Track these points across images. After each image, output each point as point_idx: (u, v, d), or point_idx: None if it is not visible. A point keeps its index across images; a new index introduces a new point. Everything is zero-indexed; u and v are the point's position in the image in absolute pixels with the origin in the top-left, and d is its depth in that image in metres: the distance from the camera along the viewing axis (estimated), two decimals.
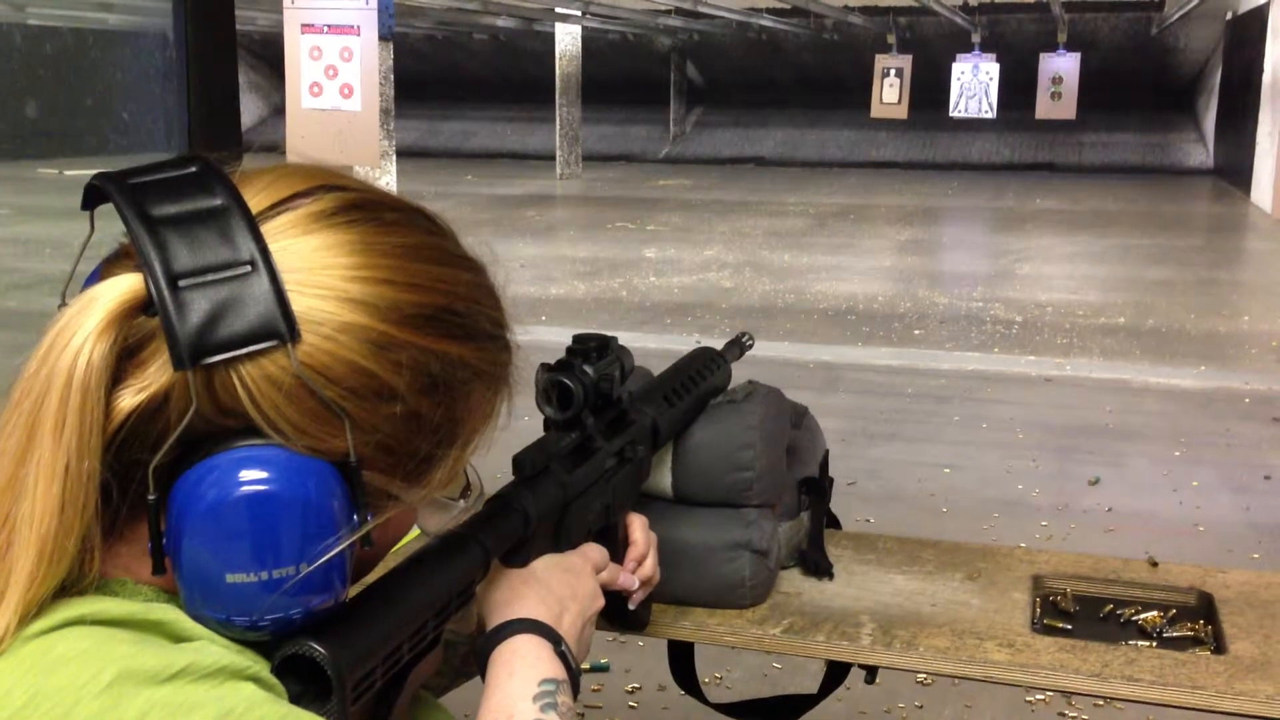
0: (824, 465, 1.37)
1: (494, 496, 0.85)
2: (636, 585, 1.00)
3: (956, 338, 7.08)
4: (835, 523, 1.41)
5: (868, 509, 4.27)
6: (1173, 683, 1.02)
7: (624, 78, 18.85)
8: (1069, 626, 1.18)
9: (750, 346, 1.34)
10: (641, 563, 1.01)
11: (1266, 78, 13.12)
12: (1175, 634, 1.16)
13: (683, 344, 6.99)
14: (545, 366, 0.93)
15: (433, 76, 19.04)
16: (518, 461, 0.87)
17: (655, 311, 7.76)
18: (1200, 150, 17.49)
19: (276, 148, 9.45)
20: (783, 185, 16.17)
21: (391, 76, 12.40)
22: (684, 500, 1.20)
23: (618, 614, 1.01)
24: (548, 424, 0.94)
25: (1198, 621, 1.18)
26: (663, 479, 1.20)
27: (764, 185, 16.19)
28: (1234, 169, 15.07)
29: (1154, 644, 1.14)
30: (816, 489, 1.31)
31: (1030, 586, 1.24)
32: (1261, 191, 13.12)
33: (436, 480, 0.71)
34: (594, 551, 0.92)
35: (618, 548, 1.00)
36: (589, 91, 17.31)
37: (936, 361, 6.49)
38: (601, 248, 10.64)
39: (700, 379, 1.19)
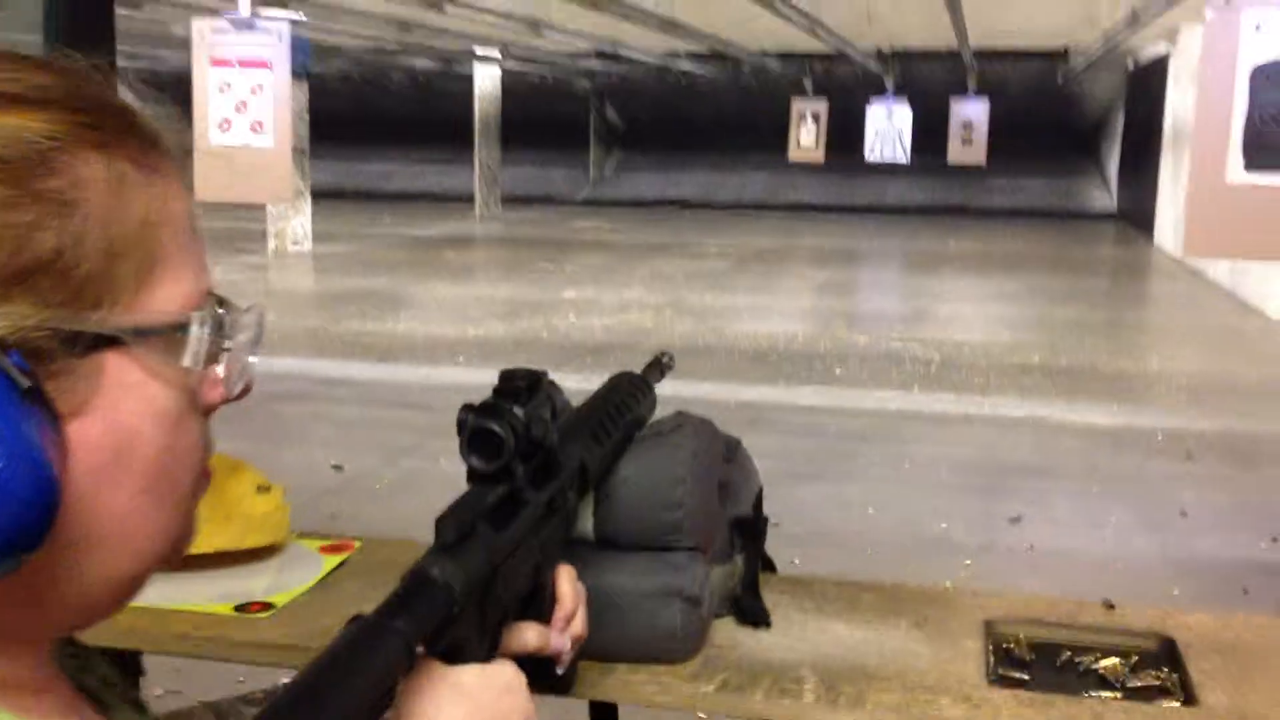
0: (758, 503, 1.27)
1: (412, 571, 0.71)
2: (567, 647, 0.88)
3: (877, 377, 7.08)
4: (770, 565, 1.31)
5: (793, 550, 4.18)
6: None
7: (543, 119, 18.82)
8: (1026, 677, 1.09)
9: (671, 367, 1.21)
10: (570, 620, 0.89)
11: (1167, 124, 13.51)
12: (1139, 683, 1.07)
13: (596, 385, 6.90)
14: (469, 409, 0.81)
15: (350, 117, 18.81)
16: (439, 527, 0.74)
17: (576, 351, 7.65)
18: (1104, 195, 17.96)
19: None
20: (703, 227, 16.22)
21: (306, 115, 12.22)
22: (606, 543, 1.09)
23: (543, 677, 0.89)
24: (472, 475, 0.82)
25: (1161, 669, 1.09)
26: (583, 520, 1.09)
27: (684, 227, 16.22)
28: (1137, 213, 15.48)
29: (1118, 695, 1.05)
30: (751, 529, 1.21)
31: (982, 633, 1.14)
32: (1164, 235, 13.47)
33: (140, 299, 0.53)
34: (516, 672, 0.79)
35: (544, 606, 0.88)
36: (508, 133, 17.24)
37: (858, 400, 6.47)
38: (521, 289, 10.53)
39: (625, 409, 1.07)
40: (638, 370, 1.17)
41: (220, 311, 0.58)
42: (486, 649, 0.76)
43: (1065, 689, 1.06)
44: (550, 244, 14.25)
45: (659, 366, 1.20)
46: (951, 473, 5.19)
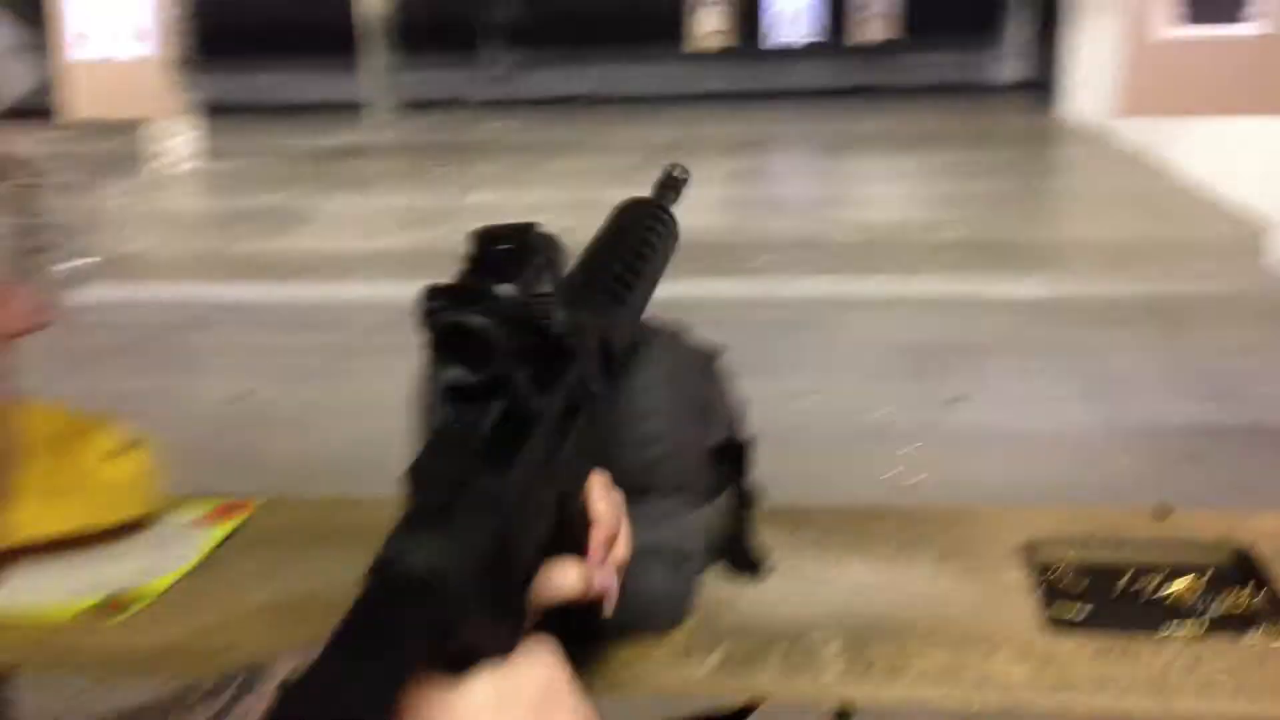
0: (743, 422, 1.05)
1: (379, 566, 0.47)
2: (614, 582, 0.64)
3: (800, 264, 6.90)
4: (760, 496, 1.10)
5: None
6: (1265, 692, 0.74)
7: (438, 20, 18.07)
8: (1083, 615, 0.89)
9: (686, 181, 0.91)
10: (613, 544, 0.64)
11: None
12: (1221, 609, 0.88)
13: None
14: (433, 294, 0.55)
15: (237, 28, 17.87)
16: (414, 481, 0.50)
17: None
18: (1010, 65, 17.86)
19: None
20: (608, 123, 15.78)
21: (186, 24, 11.48)
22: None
23: (584, 625, 0.64)
24: (452, 393, 0.56)
25: (1241, 587, 0.90)
26: None
27: (589, 124, 15.76)
28: (1043, 82, 15.40)
29: (1202, 627, 0.86)
30: (736, 457, 0.99)
31: (1023, 560, 0.94)
32: (1074, 102, 13.42)
33: None
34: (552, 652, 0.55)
35: (577, 532, 0.63)
36: (402, 37, 16.53)
37: (783, 290, 6.29)
38: (423, 197, 10.12)
39: (647, 249, 0.79)
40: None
41: None
42: (508, 631, 0.53)
43: (1137, 626, 0.86)
44: (451, 149, 13.74)
45: (673, 185, 0.90)
46: (886, 357, 5.04)
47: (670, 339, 0.89)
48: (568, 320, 0.58)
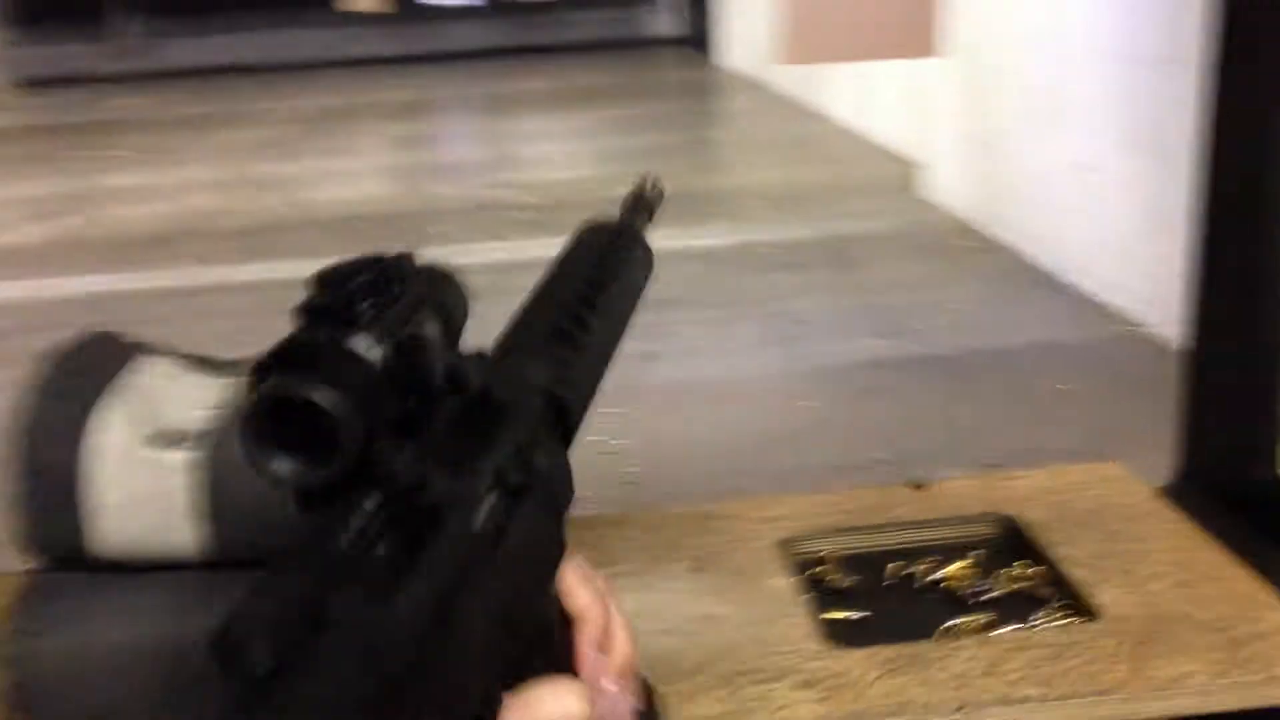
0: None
1: None
2: (617, 687, 0.49)
3: (475, 229, 6.72)
4: None
5: None
6: (1072, 691, 0.64)
7: None
8: (855, 614, 0.78)
9: (660, 197, 0.79)
10: (610, 642, 0.51)
11: None
12: (1001, 590, 0.79)
13: (171, 278, 6.07)
14: (260, 366, 0.39)
15: None
16: (234, 644, 0.31)
17: (130, 247, 6.69)
18: (666, 19, 18.26)
19: None
20: (260, 92, 14.86)
21: None
22: (222, 562, 0.66)
23: None
24: (297, 495, 0.39)
25: (1015, 562, 0.82)
26: (179, 531, 0.64)
27: (238, 94, 14.78)
28: (697, 35, 15.84)
29: (987, 617, 0.77)
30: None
31: (784, 561, 0.82)
32: (726, 55, 13.87)
33: None
34: None
35: (556, 643, 0.47)
36: (14, 10, 14.91)
37: (458, 256, 6.05)
38: (54, 183, 9.13)
39: (609, 279, 0.65)
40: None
41: None
42: None
43: (920, 623, 0.76)
44: (83, 128, 12.52)
45: (644, 204, 0.77)
46: None
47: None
48: (501, 363, 0.41)
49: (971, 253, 5.48)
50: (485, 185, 7.93)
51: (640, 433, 3.80)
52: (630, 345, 3.61)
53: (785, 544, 0.85)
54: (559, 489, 0.49)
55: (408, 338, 0.42)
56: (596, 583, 0.50)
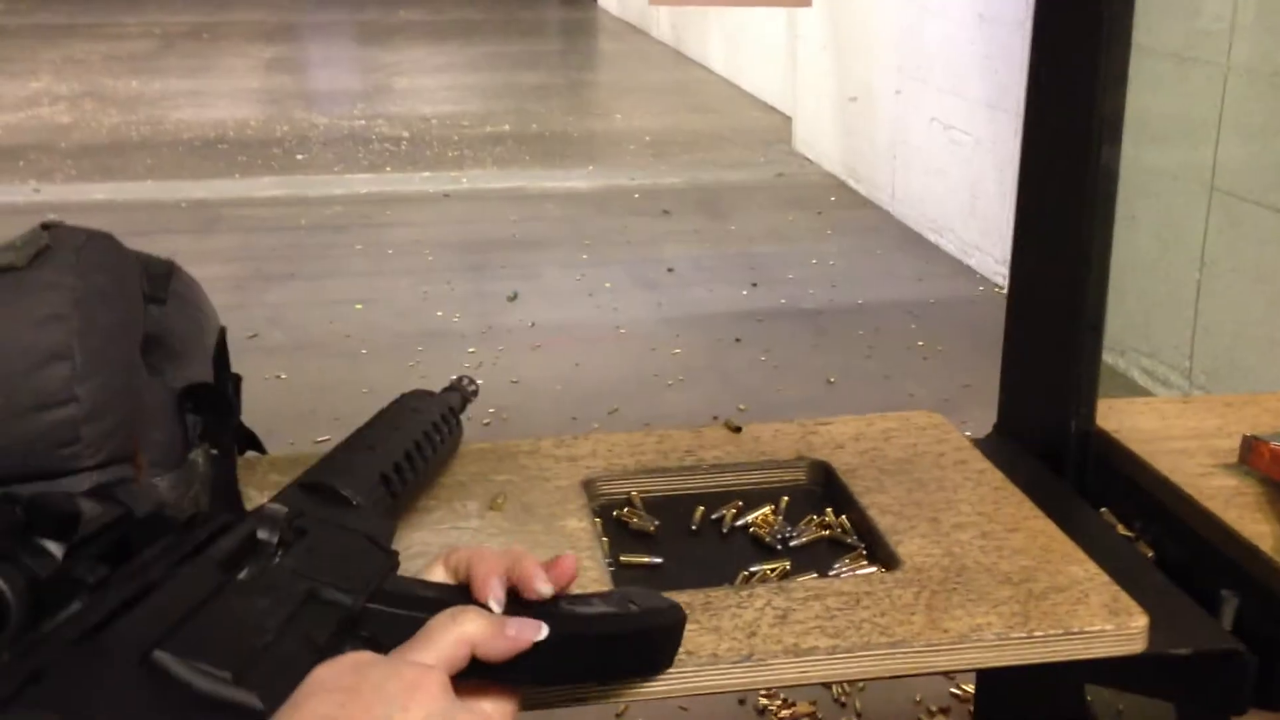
0: (220, 355, 0.79)
1: None
2: (550, 592, 0.54)
3: (344, 160, 6.50)
4: (255, 443, 0.86)
5: (277, 363, 3.67)
6: (864, 643, 0.62)
7: None
8: (657, 559, 0.74)
9: (474, 395, 0.85)
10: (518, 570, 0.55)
11: None
12: (805, 538, 0.76)
13: (15, 194, 5.74)
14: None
15: None
16: None
17: None
18: None
19: None
20: (118, 4, 14.13)
21: None
22: None
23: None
24: None
25: (825, 509, 0.79)
26: None
27: (93, 4, 14.03)
28: None
29: (782, 565, 0.73)
30: (212, 400, 0.74)
31: (585, 502, 0.78)
32: None
33: None
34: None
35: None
36: None
37: (327, 188, 5.89)
38: None
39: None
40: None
41: None
42: None
43: (718, 569, 0.72)
44: None
45: (461, 394, 0.85)
46: (439, 255, 4.85)
47: (85, 246, 0.62)
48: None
49: (839, 207, 5.52)
50: (358, 116, 7.69)
51: (501, 374, 3.73)
52: (490, 285, 3.55)
53: (589, 484, 0.81)
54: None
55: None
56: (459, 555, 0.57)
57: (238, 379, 0.81)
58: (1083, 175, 0.77)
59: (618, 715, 1.88)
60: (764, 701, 1.92)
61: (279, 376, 3.58)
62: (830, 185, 5.87)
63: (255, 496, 0.79)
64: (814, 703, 1.97)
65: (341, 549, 0.57)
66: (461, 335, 4.01)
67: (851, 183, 5.75)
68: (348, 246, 4.97)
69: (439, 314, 4.19)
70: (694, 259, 4.83)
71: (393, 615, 0.53)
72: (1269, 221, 2.68)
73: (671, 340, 4.00)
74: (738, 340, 3.98)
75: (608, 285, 4.53)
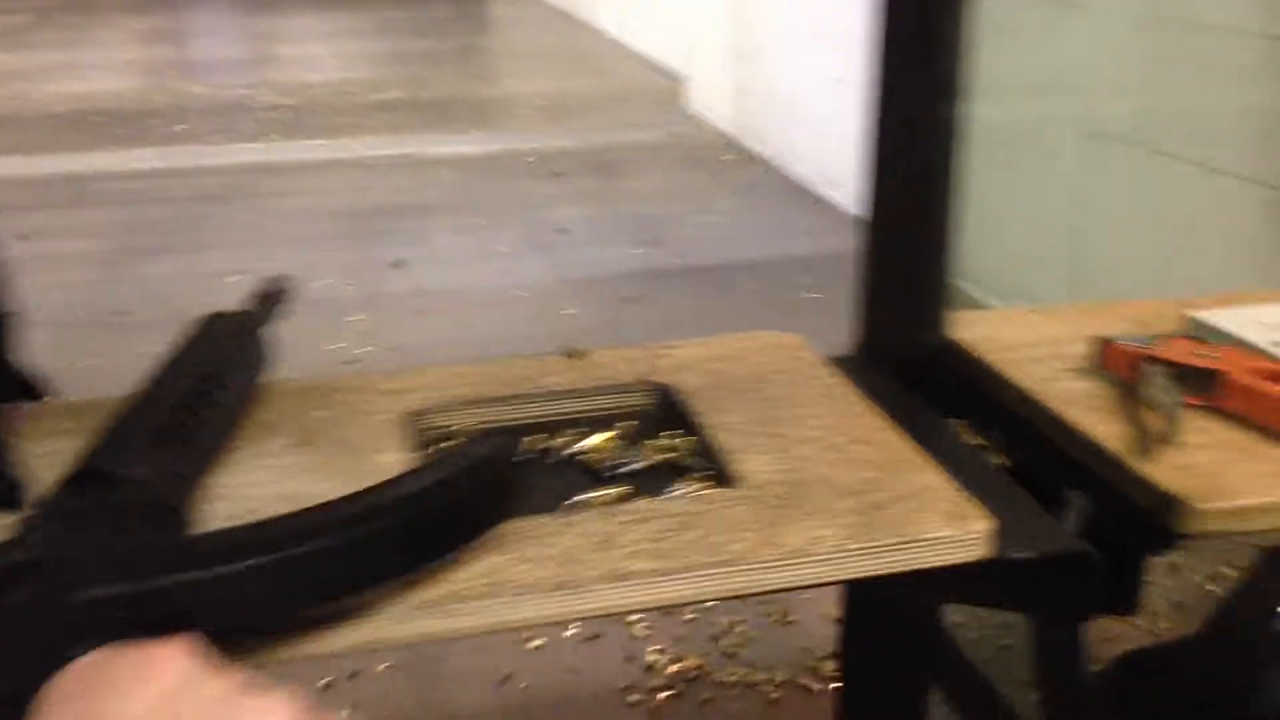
0: None
1: None
2: None
3: (225, 130, 6.29)
4: (37, 388, 0.79)
5: (146, 339, 3.51)
6: (689, 564, 0.57)
7: None
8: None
9: (284, 294, 0.87)
10: None
11: None
12: (644, 463, 0.71)
13: None
14: None
15: None
16: None
17: None
18: None
19: None
20: None
21: None
22: None
23: None
24: None
25: (664, 432, 0.74)
26: None
27: None
28: None
29: (622, 489, 0.68)
30: None
31: (404, 435, 0.72)
32: None
33: None
34: None
35: None
36: None
37: (207, 159, 5.69)
38: None
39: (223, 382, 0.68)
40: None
41: None
42: None
43: (545, 501, 0.67)
44: None
45: (272, 297, 0.86)
46: (324, 224, 4.71)
47: None
48: None
49: (732, 165, 5.49)
50: (240, 85, 7.44)
51: (386, 341, 3.63)
52: (377, 252, 3.44)
53: (410, 417, 0.75)
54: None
55: None
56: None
57: (9, 315, 0.73)
58: (928, 87, 0.74)
59: (503, 680, 1.84)
60: (651, 658, 1.88)
61: (151, 353, 3.44)
62: (724, 144, 5.84)
63: (32, 446, 0.71)
64: (704, 655, 1.94)
65: (110, 536, 0.52)
66: (346, 304, 3.90)
67: (744, 141, 5.73)
68: (227, 217, 4.80)
69: (323, 283, 4.07)
70: (588, 220, 4.77)
71: (202, 578, 0.48)
72: (1138, 158, 2.72)
73: (566, 301, 3.94)
74: (630, 301, 3.94)
75: (501, 250, 4.45)
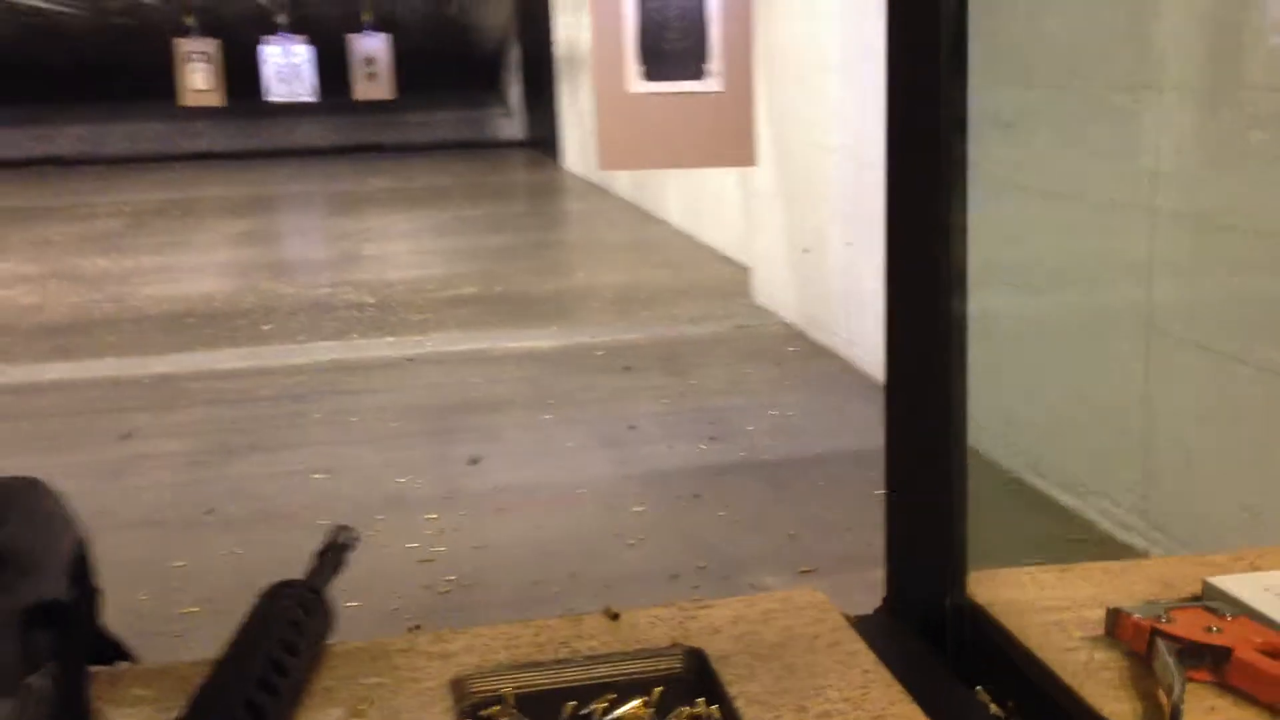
0: (77, 567, 0.79)
1: None
2: None
3: (309, 329, 6.57)
4: (122, 653, 0.84)
5: (232, 539, 3.64)
6: None
7: None
8: None
9: (353, 545, 0.86)
10: None
11: (560, 51, 14.02)
12: None
13: None
14: None
15: None
16: None
17: None
18: (510, 123, 18.46)
19: None
20: (88, 185, 14.44)
21: None
22: None
23: None
24: None
25: (695, 699, 0.78)
26: None
27: (65, 187, 14.34)
28: (543, 138, 16.04)
29: None
30: (58, 617, 0.73)
31: (452, 704, 0.77)
32: (569, 157, 14.07)
33: None
34: None
35: None
36: None
37: (291, 357, 5.93)
38: None
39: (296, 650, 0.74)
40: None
41: None
42: None
43: None
44: None
45: (336, 552, 0.85)
46: (401, 421, 4.86)
47: None
48: None
49: (798, 358, 5.58)
50: (324, 285, 7.80)
51: (461, 540, 3.70)
52: (454, 449, 3.57)
53: (458, 683, 0.79)
54: None
55: None
56: None
57: (96, 591, 0.80)
58: (940, 327, 0.80)
59: None
60: None
61: (234, 552, 3.54)
62: (789, 335, 5.96)
63: (112, 713, 0.77)
64: None
65: None
66: (423, 501, 3.99)
67: (810, 332, 5.83)
68: (309, 416, 4.97)
69: (401, 480, 4.18)
70: (655, 415, 4.86)
71: None
72: (1205, 362, 2.73)
73: (632, 498, 3.99)
74: (697, 496, 3.98)
75: (569, 445, 4.54)
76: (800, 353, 5.66)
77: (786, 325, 6.13)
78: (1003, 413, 3.73)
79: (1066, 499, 3.39)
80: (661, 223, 9.67)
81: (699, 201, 8.61)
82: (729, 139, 3.86)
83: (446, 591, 3.35)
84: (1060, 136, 3.06)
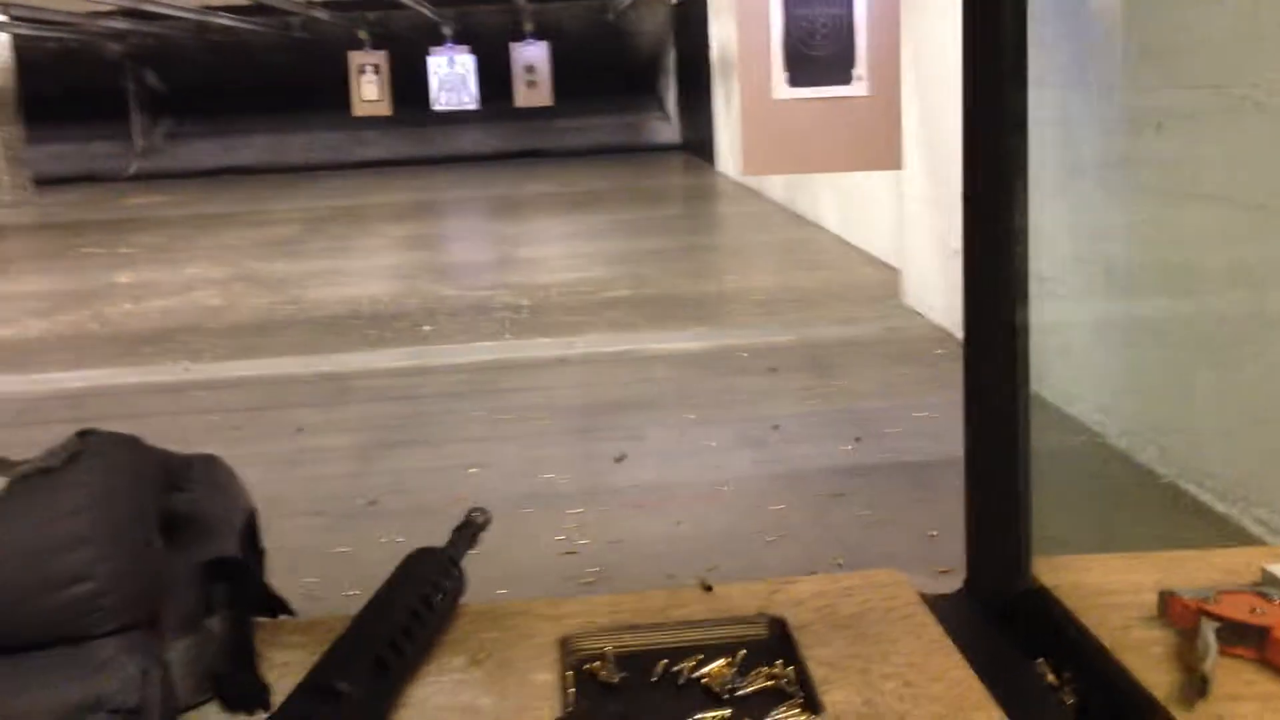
0: (248, 531, 0.93)
1: None
2: None
3: (468, 329, 6.83)
4: (283, 607, 0.98)
5: (395, 527, 3.86)
6: None
7: (73, 90, 16.89)
8: (614, 708, 0.83)
9: (485, 525, 1.01)
10: None
11: (714, 56, 14.13)
12: (751, 688, 0.84)
13: (166, 374, 6.18)
14: None
15: None
16: None
17: (131, 342, 6.82)
18: (667, 127, 18.66)
19: None
20: (268, 193, 15.23)
21: None
22: None
23: None
24: None
25: (774, 662, 0.87)
26: None
27: (248, 194, 15.16)
28: (698, 141, 16.17)
29: (724, 713, 0.81)
30: (233, 572, 0.87)
31: (559, 658, 0.87)
32: (723, 160, 14.15)
33: None
34: None
35: None
36: (33, 108, 15.33)
37: (450, 357, 6.19)
38: (63, 279, 9.34)
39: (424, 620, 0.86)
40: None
41: None
42: None
43: (662, 716, 0.80)
44: (97, 225, 12.83)
45: (470, 530, 0.98)
46: (552, 419, 5.03)
47: (112, 449, 0.77)
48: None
49: (946, 360, 5.54)
50: (482, 287, 8.08)
51: (604, 534, 3.83)
52: (600, 446, 3.75)
53: (564, 641, 0.90)
54: None
55: None
56: None
57: (262, 551, 0.93)
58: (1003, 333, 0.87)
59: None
60: None
61: (396, 540, 3.75)
62: (937, 337, 5.91)
63: (273, 655, 0.90)
64: None
65: None
66: (568, 496, 4.14)
67: (958, 334, 5.78)
68: (467, 413, 5.20)
69: (547, 476, 4.34)
70: (799, 416, 4.91)
71: None
72: None
73: (773, 497, 4.05)
74: (839, 496, 4.02)
75: (713, 444, 4.63)
76: (948, 354, 5.62)
77: (935, 327, 6.09)
78: (1157, 420, 3.66)
79: (1222, 507, 3.32)
80: (813, 225, 9.68)
81: (851, 204, 8.59)
82: (874, 142, 3.90)
83: (590, 583, 3.48)
84: (1214, 137, 3.01)
